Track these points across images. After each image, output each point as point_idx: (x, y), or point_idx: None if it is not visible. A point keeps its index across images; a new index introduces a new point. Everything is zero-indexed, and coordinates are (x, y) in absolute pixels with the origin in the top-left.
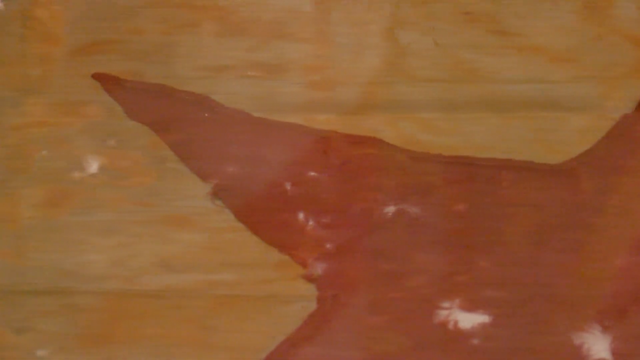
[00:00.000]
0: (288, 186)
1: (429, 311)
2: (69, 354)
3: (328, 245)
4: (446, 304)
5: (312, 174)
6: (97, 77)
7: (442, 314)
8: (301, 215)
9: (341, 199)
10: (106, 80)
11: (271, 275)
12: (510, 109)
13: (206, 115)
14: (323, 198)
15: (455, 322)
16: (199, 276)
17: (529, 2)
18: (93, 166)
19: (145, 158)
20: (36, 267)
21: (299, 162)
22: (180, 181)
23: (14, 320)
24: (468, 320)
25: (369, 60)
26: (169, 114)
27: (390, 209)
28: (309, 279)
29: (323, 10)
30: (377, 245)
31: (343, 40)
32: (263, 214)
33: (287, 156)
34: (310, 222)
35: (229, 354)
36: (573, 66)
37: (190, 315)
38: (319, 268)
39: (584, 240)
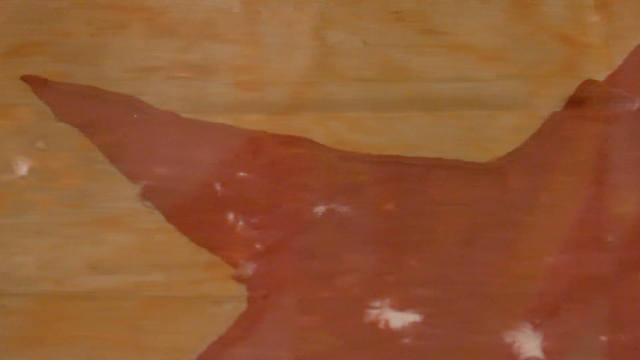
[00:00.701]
0: (218, 187)
1: (360, 311)
2: None
3: (258, 246)
4: (376, 304)
5: (242, 174)
6: (26, 79)
7: (373, 313)
8: (231, 216)
9: (271, 199)
10: (35, 83)
11: (201, 276)
12: (439, 107)
13: (135, 116)
14: (253, 198)
15: (386, 322)
16: (130, 277)
17: (458, 1)
18: (22, 168)
19: (75, 160)
20: None
21: (229, 162)
22: (110, 183)
23: None
24: (399, 319)
25: (298, 60)
26: (98, 115)
27: (320, 209)
28: (239, 279)
29: (252, 10)
30: (307, 245)
31: (272, 40)
32: (193, 214)
33: (216, 157)
34: (240, 223)
35: (160, 354)
36: (502, 64)
37: (121, 316)
38: (249, 268)
39: (514, 238)
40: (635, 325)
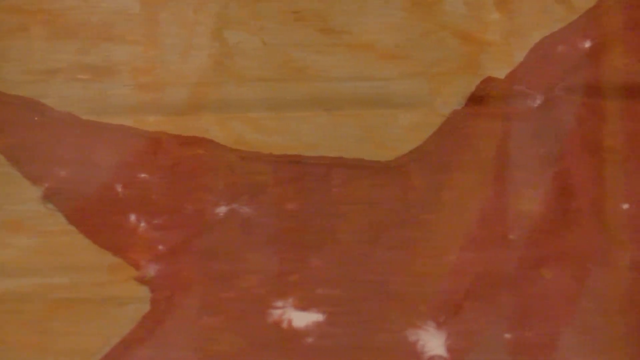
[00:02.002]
0: (119, 188)
1: (263, 311)
2: None
3: (160, 247)
4: (279, 303)
5: (143, 175)
6: None
7: (276, 313)
8: (133, 217)
9: (172, 200)
10: None
11: (105, 278)
12: (339, 107)
13: (36, 119)
14: (154, 200)
15: (290, 321)
16: (34, 280)
17: (357, 0)
18: None
19: None
20: None
21: (130, 164)
22: (12, 185)
23: None
24: (302, 319)
25: (198, 61)
26: None
27: (222, 209)
28: (142, 281)
29: (151, 11)
30: (209, 246)
31: (171, 41)
32: (95, 216)
33: (117, 158)
34: (142, 224)
35: (65, 357)
36: (402, 63)
37: (26, 319)
38: (152, 270)
39: (417, 237)
40: (539, 323)
